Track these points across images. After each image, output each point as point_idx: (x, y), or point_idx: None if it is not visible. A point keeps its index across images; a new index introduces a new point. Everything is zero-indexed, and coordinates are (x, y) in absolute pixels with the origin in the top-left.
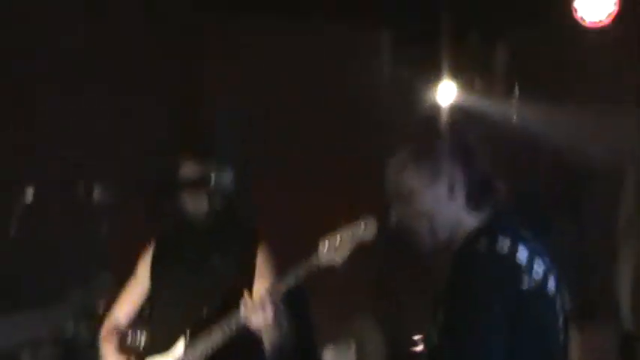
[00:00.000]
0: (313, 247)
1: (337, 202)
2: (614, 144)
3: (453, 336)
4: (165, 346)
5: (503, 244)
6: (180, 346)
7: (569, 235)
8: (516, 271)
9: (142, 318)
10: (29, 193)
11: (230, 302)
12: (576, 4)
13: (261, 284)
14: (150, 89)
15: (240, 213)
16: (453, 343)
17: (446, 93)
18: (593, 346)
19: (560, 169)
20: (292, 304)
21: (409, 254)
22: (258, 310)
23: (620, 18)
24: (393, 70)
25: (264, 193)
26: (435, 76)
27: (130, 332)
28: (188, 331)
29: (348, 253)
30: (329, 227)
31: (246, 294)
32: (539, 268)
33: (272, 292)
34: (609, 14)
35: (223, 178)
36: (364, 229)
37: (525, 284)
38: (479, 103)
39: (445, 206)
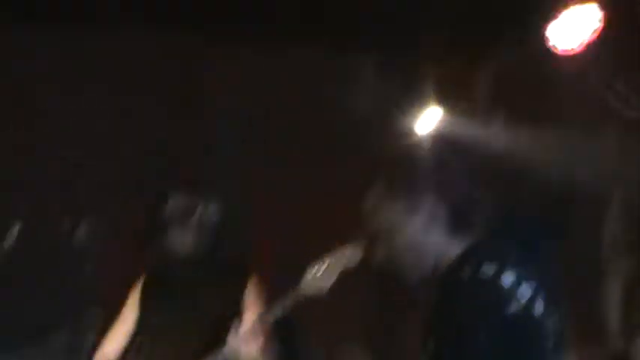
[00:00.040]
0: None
1: (315, 231)
2: (599, 166)
3: None
4: None
5: (488, 269)
6: None
7: (556, 258)
8: (501, 295)
9: (130, 353)
10: (15, 230)
11: (219, 335)
12: (548, 33)
13: (251, 316)
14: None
15: (230, 246)
16: None
17: (427, 118)
18: None
19: (545, 192)
20: (280, 335)
21: (397, 284)
22: (246, 342)
23: (593, 45)
24: (374, 96)
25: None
26: (416, 102)
27: None
28: None
29: (334, 279)
30: (314, 255)
31: (234, 327)
32: (525, 291)
33: (260, 323)
34: (581, 43)
35: (210, 211)
36: (349, 256)
37: (511, 308)
38: (460, 127)
39: (426, 237)
